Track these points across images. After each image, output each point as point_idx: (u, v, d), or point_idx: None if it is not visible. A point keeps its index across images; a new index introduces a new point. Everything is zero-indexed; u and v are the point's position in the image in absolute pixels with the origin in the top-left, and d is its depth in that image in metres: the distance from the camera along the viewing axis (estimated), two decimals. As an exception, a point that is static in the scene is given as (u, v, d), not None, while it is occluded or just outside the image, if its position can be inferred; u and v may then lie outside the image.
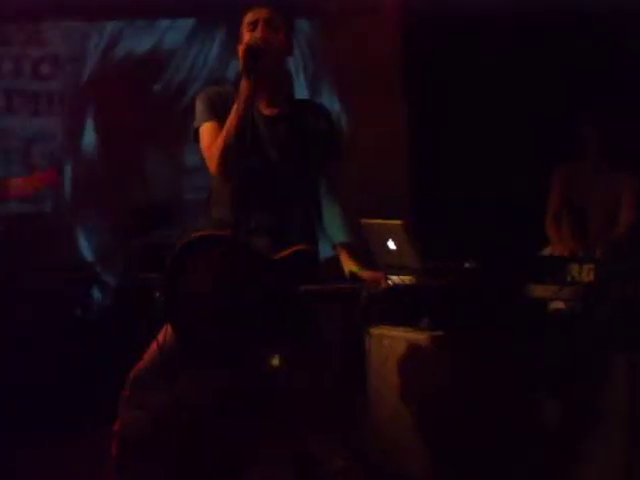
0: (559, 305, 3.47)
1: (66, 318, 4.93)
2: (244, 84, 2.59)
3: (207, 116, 2.74)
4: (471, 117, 5.12)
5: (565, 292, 3.27)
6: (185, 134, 2.87)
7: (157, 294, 2.52)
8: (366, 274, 2.72)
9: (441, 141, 5.16)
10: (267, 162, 2.73)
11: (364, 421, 3.46)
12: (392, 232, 3.35)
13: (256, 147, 2.69)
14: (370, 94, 5.50)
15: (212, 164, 2.67)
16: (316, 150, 2.79)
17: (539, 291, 3.35)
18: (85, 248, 5.53)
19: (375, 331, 3.52)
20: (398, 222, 3.33)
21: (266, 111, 2.79)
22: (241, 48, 2.59)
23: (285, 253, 2.65)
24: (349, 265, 2.78)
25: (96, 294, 5.34)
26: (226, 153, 2.61)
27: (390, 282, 2.78)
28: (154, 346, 2.65)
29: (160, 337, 2.63)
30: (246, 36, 2.73)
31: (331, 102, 5.60)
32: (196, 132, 2.77)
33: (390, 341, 3.46)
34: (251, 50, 2.58)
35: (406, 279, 3.29)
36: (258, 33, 2.70)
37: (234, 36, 2.84)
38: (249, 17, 2.75)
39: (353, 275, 2.73)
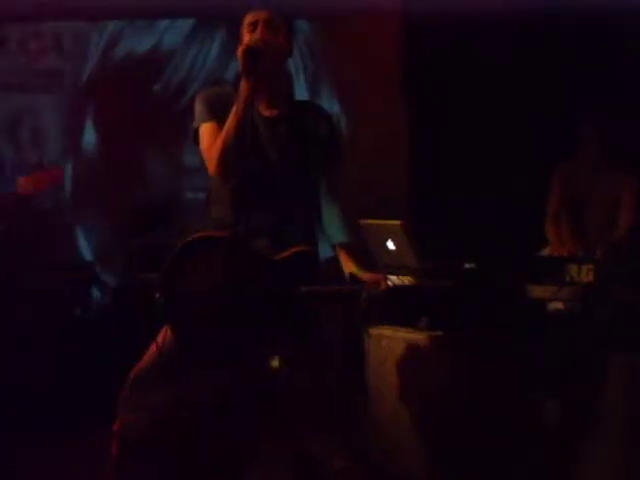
0: (558, 305, 3.48)
1: (65, 318, 4.93)
2: (243, 85, 2.59)
3: (206, 117, 2.74)
4: (470, 118, 5.12)
5: (564, 292, 3.28)
6: (184, 134, 2.88)
7: (157, 295, 2.52)
8: (366, 276, 2.73)
9: (440, 142, 5.16)
10: (267, 163, 2.73)
11: (364, 421, 3.47)
12: (391, 232, 3.36)
13: (256, 148, 2.69)
14: (369, 95, 5.50)
15: (211, 165, 2.67)
16: (316, 151, 2.79)
17: (538, 291, 3.35)
18: (84, 248, 5.54)
19: (374, 331, 3.52)
20: (397, 222, 3.33)
21: (266, 112, 2.79)
22: (240, 49, 2.59)
23: (285, 254, 2.65)
24: (349, 266, 2.78)
25: (95, 294, 5.34)
26: (225, 154, 2.61)
27: (390, 283, 2.79)
28: (153, 347, 2.65)
29: (159, 338, 2.64)
30: (246, 37, 2.73)
31: (331, 103, 5.61)
32: (195, 133, 2.77)
33: (389, 341, 3.46)
34: (250, 51, 2.58)
35: (405, 279, 3.29)
36: (257, 34, 2.70)
37: (234, 37, 2.85)
38: (249, 18, 2.75)
39: (353, 277, 2.73)
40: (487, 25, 5.06)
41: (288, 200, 2.75)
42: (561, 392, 3.26)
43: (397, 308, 3.47)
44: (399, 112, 5.51)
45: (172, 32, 5.61)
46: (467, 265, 3.40)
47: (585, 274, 3.30)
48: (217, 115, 2.71)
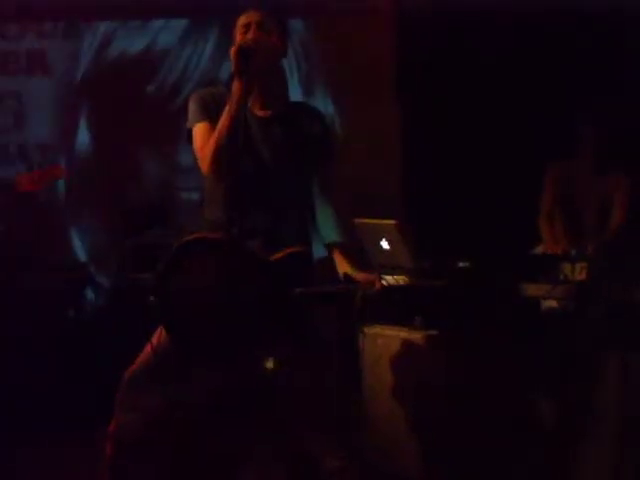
0: (552, 303, 3.49)
1: (60, 318, 4.92)
2: (236, 85, 2.60)
3: (200, 117, 2.75)
4: (465, 117, 5.13)
5: (558, 290, 3.28)
6: (179, 134, 2.88)
7: (151, 298, 2.52)
8: (360, 276, 2.74)
9: (434, 141, 5.17)
10: (260, 163, 2.74)
11: (358, 420, 3.47)
12: (385, 232, 3.36)
13: (249, 148, 2.70)
14: (363, 95, 5.51)
15: (204, 164, 2.68)
16: (309, 151, 2.80)
17: (532, 290, 3.35)
18: (79, 248, 5.53)
19: (369, 330, 3.52)
20: (392, 222, 3.33)
21: (259, 113, 2.79)
22: (233, 49, 2.60)
23: (279, 255, 2.66)
24: (343, 267, 2.79)
25: (90, 294, 5.34)
26: (218, 153, 2.62)
27: (384, 282, 2.79)
28: (148, 348, 2.65)
29: (154, 339, 2.64)
30: (239, 38, 2.74)
31: (325, 102, 5.61)
32: (189, 133, 2.78)
33: (384, 340, 3.47)
34: (242, 50, 2.59)
35: (400, 279, 3.30)
36: (250, 35, 2.71)
37: (227, 37, 2.85)
38: (242, 20, 2.76)
39: (347, 277, 2.74)
40: (482, 25, 5.07)
41: (282, 200, 2.76)
42: (555, 391, 3.27)
43: (392, 307, 3.47)
44: (393, 112, 5.52)
45: (166, 32, 5.61)
46: (461, 264, 3.40)
47: (579, 272, 3.30)
48: (210, 115, 2.72)
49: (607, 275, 3.19)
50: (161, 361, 2.63)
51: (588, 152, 4.23)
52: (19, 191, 4.42)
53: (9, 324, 4.53)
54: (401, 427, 3.36)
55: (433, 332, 3.35)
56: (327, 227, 2.84)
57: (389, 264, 3.32)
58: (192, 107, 2.78)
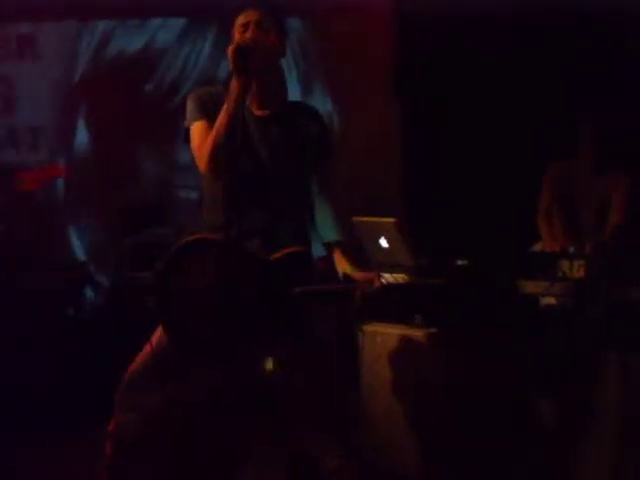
0: (550, 301, 3.49)
1: (60, 317, 4.93)
2: (234, 83, 2.60)
3: (197, 115, 2.75)
4: (464, 116, 5.13)
5: (556, 288, 3.29)
6: (177, 132, 2.88)
7: (150, 299, 2.53)
8: (359, 275, 2.74)
9: (433, 140, 5.17)
10: (258, 163, 2.74)
11: (357, 418, 3.48)
12: (384, 230, 3.36)
13: (247, 147, 2.70)
14: (362, 93, 5.51)
15: (202, 162, 2.68)
16: (307, 151, 2.80)
17: (530, 287, 3.36)
18: (77, 247, 5.54)
19: (368, 328, 3.53)
20: (391, 220, 3.34)
21: (257, 112, 2.79)
22: (231, 48, 2.60)
23: (278, 255, 2.66)
24: (342, 266, 2.79)
25: (89, 293, 5.34)
26: (216, 152, 2.62)
27: (383, 280, 2.80)
28: (147, 348, 2.66)
29: (153, 339, 2.65)
30: (237, 37, 2.74)
31: (323, 101, 5.62)
32: (187, 132, 2.78)
33: (383, 338, 3.47)
34: (240, 49, 2.59)
35: (399, 277, 3.30)
36: (249, 34, 2.71)
37: (226, 36, 2.85)
38: (240, 20, 2.76)
39: (346, 276, 2.74)
40: (482, 24, 5.06)
41: (280, 199, 2.76)
42: (553, 390, 3.28)
43: (391, 305, 3.47)
44: (392, 110, 5.52)
45: (164, 31, 5.61)
46: (460, 262, 3.41)
47: (577, 270, 3.31)
48: (208, 114, 2.72)
49: (605, 274, 3.19)
50: (160, 361, 2.63)
51: (587, 152, 4.23)
52: (21, 189, 4.44)
53: (9, 324, 4.53)
54: (400, 425, 3.36)
55: (432, 330, 3.36)
56: (326, 226, 2.84)
57: (388, 262, 3.32)
58: (190, 106, 2.78)
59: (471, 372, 3.30)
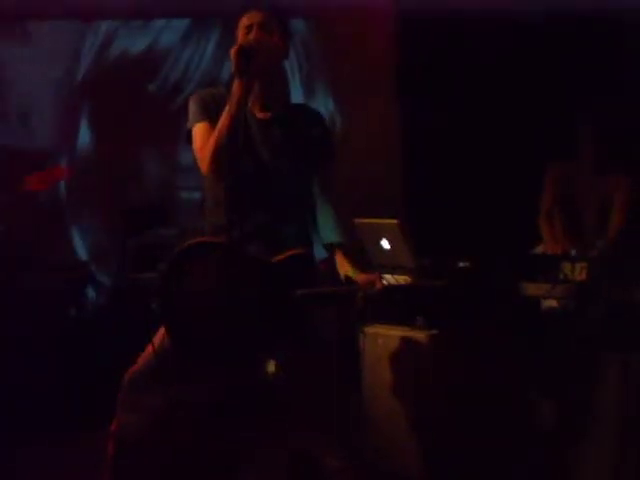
0: (552, 303, 3.49)
1: (62, 318, 4.93)
2: (236, 84, 2.60)
3: (200, 117, 2.75)
4: (465, 117, 5.13)
5: (558, 290, 3.29)
6: (180, 134, 2.88)
7: (153, 304, 2.54)
8: (361, 277, 2.74)
9: (434, 140, 5.17)
10: (260, 164, 2.74)
11: (358, 420, 3.48)
12: (386, 231, 3.37)
13: (249, 149, 2.71)
14: (364, 94, 5.51)
15: (204, 164, 2.68)
16: (309, 153, 2.80)
17: (532, 289, 3.36)
18: (80, 247, 5.54)
19: (370, 330, 3.53)
20: (394, 222, 3.34)
21: (260, 114, 2.79)
22: (233, 49, 2.60)
23: (281, 257, 2.66)
24: (344, 268, 2.79)
25: (91, 293, 5.35)
26: (218, 153, 2.62)
27: (385, 282, 2.80)
28: (149, 349, 2.66)
29: (156, 340, 2.65)
30: (240, 39, 2.74)
31: (326, 102, 5.62)
32: (189, 133, 2.78)
33: (384, 340, 3.47)
34: (243, 50, 2.59)
35: (400, 279, 3.31)
36: (252, 35, 2.71)
37: (229, 37, 2.85)
38: (244, 21, 2.76)
39: (348, 279, 2.75)
40: (482, 25, 5.07)
41: (282, 201, 2.76)
42: (554, 390, 3.28)
43: (392, 307, 3.48)
44: (394, 111, 5.53)
45: (168, 32, 5.61)
46: (461, 264, 3.41)
47: (579, 272, 3.31)
48: (210, 115, 2.72)
49: (607, 275, 3.20)
50: (163, 362, 2.63)
51: (588, 152, 4.23)
52: (27, 190, 4.46)
53: (10, 324, 4.54)
54: (401, 426, 3.36)
55: (433, 332, 3.36)
56: (328, 228, 2.84)
57: (390, 264, 3.33)
58: (192, 107, 2.79)
59: (472, 373, 3.30)
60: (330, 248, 2.84)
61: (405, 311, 3.46)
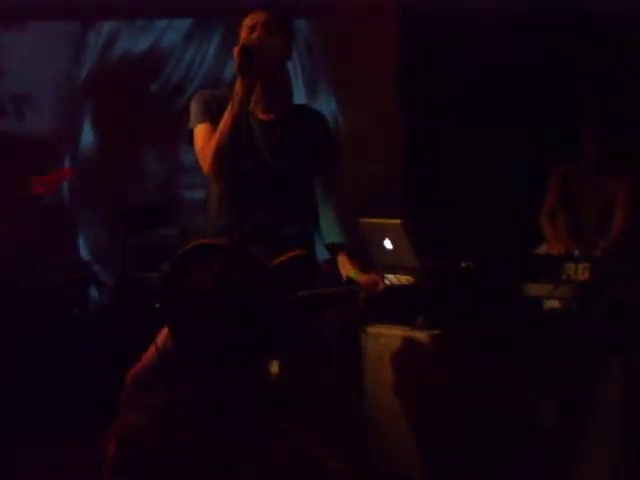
0: (554, 304, 3.49)
1: (64, 317, 4.93)
2: (239, 84, 2.60)
3: (201, 117, 2.74)
4: (467, 116, 5.13)
5: (560, 291, 3.29)
6: (182, 133, 2.88)
7: (155, 304, 2.54)
8: (363, 278, 2.73)
9: (437, 140, 5.17)
10: (262, 165, 2.73)
11: (360, 420, 3.48)
12: (390, 231, 3.36)
13: (250, 150, 2.70)
14: (366, 94, 5.51)
15: (205, 164, 2.68)
16: (311, 154, 2.79)
17: (534, 289, 3.36)
18: (82, 247, 5.54)
19: (371, 330, 3.53)
20: (398, 221, 3.34)
21: (262, 116, 2.78)
22: (236, 48, 2.60)
23: (282, 259, 2.66)
24: (346, 269, 2.78)
25: (93, 293, 5.35)
26: (219, 153, 2.62)
27: (387, 282, 2.79)
28: (153, 348, 2.66)
29: (159, 340, 2.65)
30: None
31: (328, 102, 5.62)
32: (190, 134, 2.78)
33: (386, 340, 3.47)
34: (246, 49, 2.59)
35: (403, 279, 3.30)
36: (255, 35, 2.71)
37: (231, 37, 2.85)
38: (248, 21, 2.76)
39: (350, 280, 2.74)
40: (485, 23, 5.06)
41: (284, 202, 2.75)
42: (555, 391, 3.27)
43: (394, 307, 3.47)
44: (396, 111, 5.53)
45: (170, 32, 5.61)
46: (463, 264, 3.41)
47: (581, 272, 3.31)
48: (212, 116, 2.71)
49: (610, 275, 3.19)
50: (165, 362, 2.63)
51: (590, 152, 4.23)
52: (35, 192, 4.48)
53: (13, 323, 4.54)
54: (403, 426, 3.36)
55: (435, 332, 3.36)
56: (329, 228, 2.83)
57: (392, 264, 3.32)
58: (194, 108, 2.78)
59: (473, 373, 3.30)
60: (332, 249, 2.84)
61: (407, 311, 3.46)
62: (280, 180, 2.75)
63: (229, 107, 2.61)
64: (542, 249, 4.24)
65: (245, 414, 3.00)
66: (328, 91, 5.68)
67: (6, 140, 5.28)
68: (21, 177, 5.02)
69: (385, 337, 3.48)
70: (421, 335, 3.37)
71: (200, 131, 2.73)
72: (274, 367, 2.68)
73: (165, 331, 2.64)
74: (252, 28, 2.73)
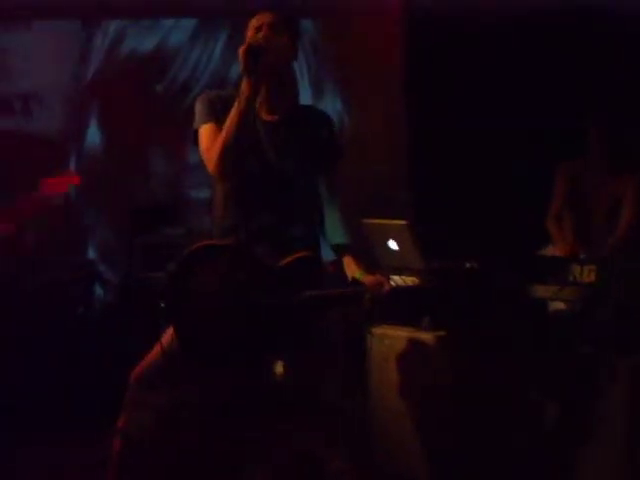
0: (560, 305, 3.48)
1: (69, 316, 4.94)
2: (245, 84, 2.60)
3: (206, 118, 2.75)
4: (472, 117, 5.12)
5: (566, 292, 3.28)
6: (188, 133, 2.88)
7: (161, 303, 2.54)
8: (368, 279, 2.73)
9: (442, 141, 5.17)
10: (267, 166, 2.73)
11: (365, 420, 3.48)
12: (395, 232, 3.36)
13: (255, 150, 2.70)
14: (372, 94, 5.52)
15: (210, 164, 2.68)
16: (317, 155, 2.79)
17: (540, 291, 3.36)
18: (88, 246, 5.55)
19: (377, 331, 3.53)
20: (402, 222, 3.33)
21: (267, 117, 2.78)
22: (242, 48, 2.60)
23: (288, 260, 2.66)
24: (352, 270, 2.78)
25: (98, 292, 5.36)
26: (224, 153, 2.62)
27: (392, 283, 2.79)
28: (158, 348, 2.66)
29: (164, 340, 2.65)
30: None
31: (334, 102, 5.62)
32: (195, 134, 2.78)
33: (391, 340, 3.47)
34: (252, 49, 2.59)
35: (408, 280, 3.30)
36: (261, 34, 2.71)
37: (237, 37, 2.85)
38: (254, 22, 2.76)
39: (355, 281, 2.74)
40: (490, 23, 5.06)
41: (289, 202, 2.75)
42: (561, 393, 3.27)
43: (399, 308, 3.47)
44: (401, 112, 5.52)
45: (176, 32, 5.61)
46: (469, 265, 3.41)
47: (587, 274, 3.30)
48: (217, 116, 2.71)
49: (616, 278, 3.18)
50: (170, 362, 2.63)
51: (597, 151, 4.22)
52: (44, 194, 4.51)
53: (18, 322, 4.55)
54: (408, 427, 3.36)
55: (440, 333, 3.35)
56: (334, 229, 2.83)
57: (397, 265, 3.32)
58: (199, 108, 2.78)
59: (479, 374, 3.29)
60: (337, 250, 2.84)
61: (412, 312, 3.45)
62: (286, 181, 2.75)
63: (235, 107, 2.61)
64: (548, 251, 4.24)
65: (250, 414, 3.00)
66: (334, 91, 5.68)
67: (13, 138, 5.29)
68: (27, 176, 5.04)
69: (390, 338, 3.48)
70: (426, 336, 3.36)
71: (205, 131, 2.73)
72: (279, 367, 2.68)
73: (170, 331, 2.64)
74: (258, 28, 2.73)
